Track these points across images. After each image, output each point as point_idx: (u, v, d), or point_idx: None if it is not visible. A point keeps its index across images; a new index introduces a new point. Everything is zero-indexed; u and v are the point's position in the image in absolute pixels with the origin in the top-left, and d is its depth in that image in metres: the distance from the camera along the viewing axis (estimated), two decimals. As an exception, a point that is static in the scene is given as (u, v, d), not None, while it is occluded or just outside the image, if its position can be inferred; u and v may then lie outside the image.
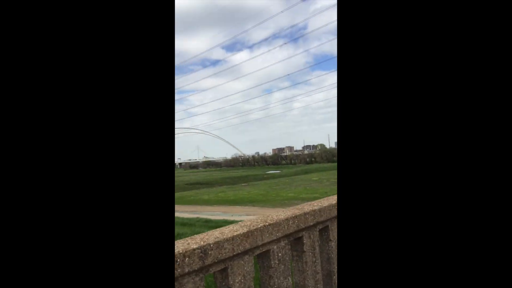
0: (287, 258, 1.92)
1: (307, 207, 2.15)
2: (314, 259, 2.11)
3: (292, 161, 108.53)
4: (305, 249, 2.06)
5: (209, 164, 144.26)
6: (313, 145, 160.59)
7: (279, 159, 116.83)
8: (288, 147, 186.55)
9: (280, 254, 1.88)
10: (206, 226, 13.65)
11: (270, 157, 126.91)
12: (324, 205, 2.20)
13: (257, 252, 1.78)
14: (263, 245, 1.78)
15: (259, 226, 1.76)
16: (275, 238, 1.82)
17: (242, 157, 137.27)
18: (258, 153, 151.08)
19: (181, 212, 23.67)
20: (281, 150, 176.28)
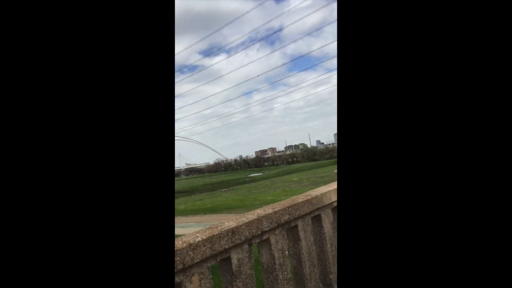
0: None
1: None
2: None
3: (275, 162, 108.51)
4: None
5: (192, 171, 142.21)
6: (295, 145, 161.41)
7: (262, 161, 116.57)
8: (271, 148, 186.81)
9: None
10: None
11: (253, 159, 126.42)
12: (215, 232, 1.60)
13: None
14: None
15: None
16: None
17: (225, 162, 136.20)
18: (241, 156, 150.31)
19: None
20: (263, 152, 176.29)
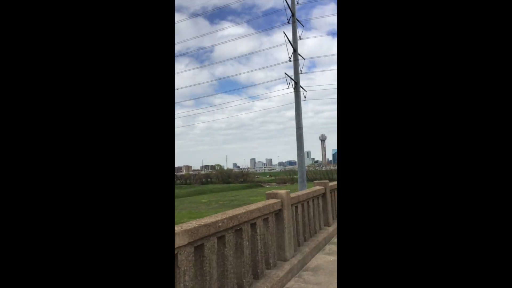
0: None
1: None
2: None
3: (188, 181, 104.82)
4: None
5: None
6: (212, 165, 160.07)
7: (174, 179, 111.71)
8: (186, 166, 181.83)
9: None
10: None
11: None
12: None
13: None
14: None
15: None
16: None
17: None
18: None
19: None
20: (178, 169, 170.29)
